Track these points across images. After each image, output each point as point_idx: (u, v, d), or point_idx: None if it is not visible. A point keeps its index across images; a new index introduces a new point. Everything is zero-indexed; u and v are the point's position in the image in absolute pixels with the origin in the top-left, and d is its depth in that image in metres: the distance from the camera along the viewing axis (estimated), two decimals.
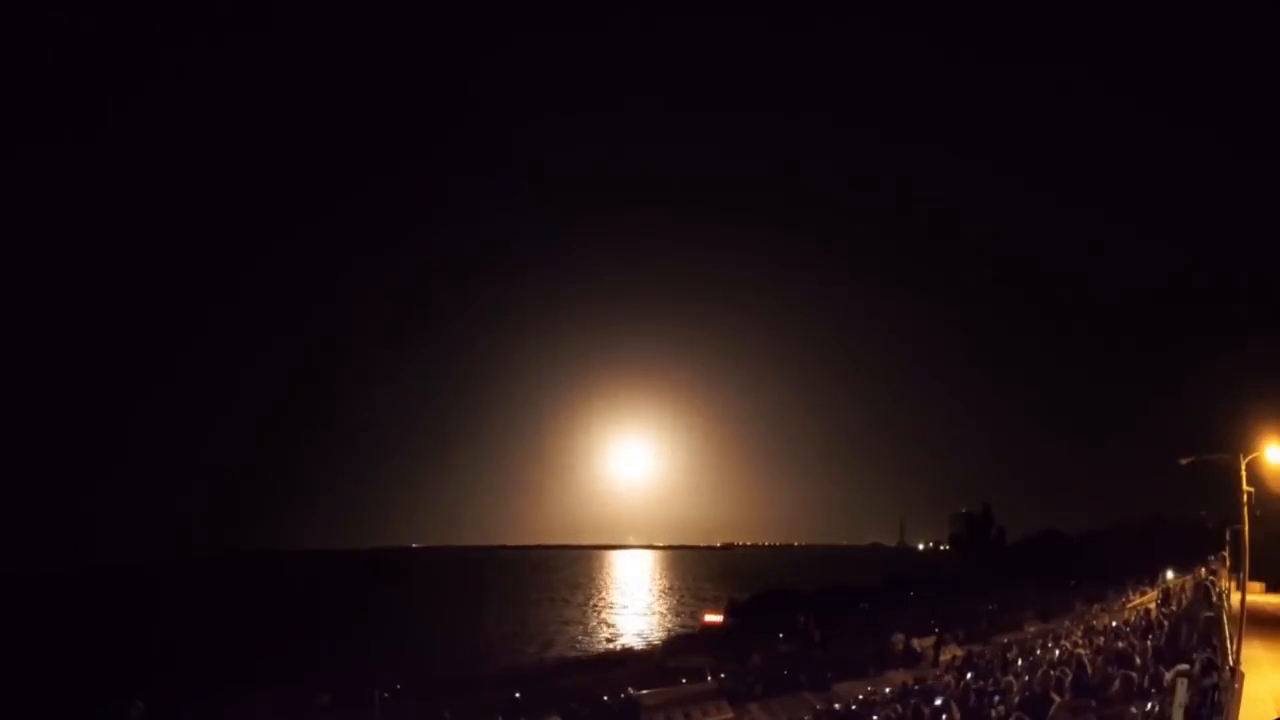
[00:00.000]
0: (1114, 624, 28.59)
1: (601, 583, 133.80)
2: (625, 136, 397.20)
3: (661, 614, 78.30)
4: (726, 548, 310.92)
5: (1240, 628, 15.32)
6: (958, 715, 14.90)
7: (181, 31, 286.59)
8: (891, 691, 23.70)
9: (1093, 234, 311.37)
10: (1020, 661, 22.94)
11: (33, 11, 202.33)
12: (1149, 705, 10.72)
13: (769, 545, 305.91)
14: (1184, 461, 17.04)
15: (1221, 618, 19.38)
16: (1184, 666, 10.67)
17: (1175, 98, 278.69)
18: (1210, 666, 11.47)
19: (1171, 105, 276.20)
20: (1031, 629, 38.25)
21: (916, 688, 21.96)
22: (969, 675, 21.13)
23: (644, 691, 23.51)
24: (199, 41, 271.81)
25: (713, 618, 55.91)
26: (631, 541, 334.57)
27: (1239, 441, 16.18)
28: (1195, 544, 53.43)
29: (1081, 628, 31.08)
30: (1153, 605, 34.22)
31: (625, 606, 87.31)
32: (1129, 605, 40.14)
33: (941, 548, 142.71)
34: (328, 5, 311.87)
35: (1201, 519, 66.29)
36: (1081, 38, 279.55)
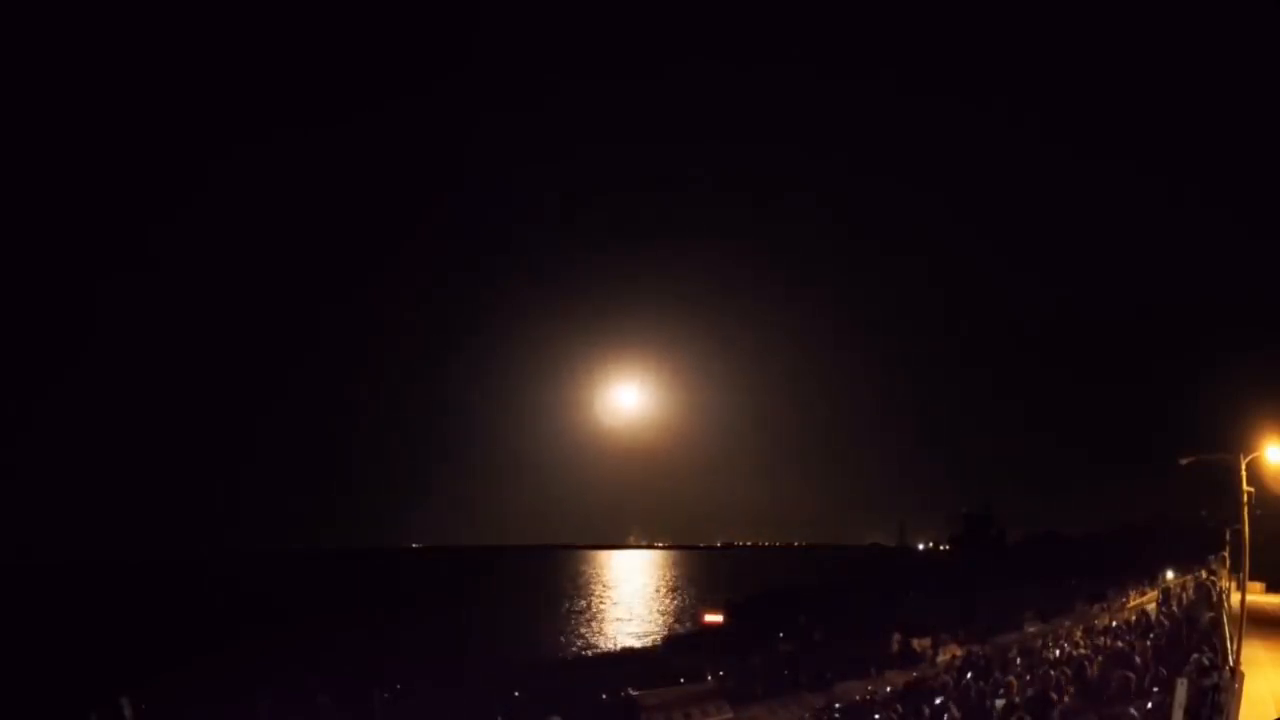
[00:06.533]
0: (1114, 624, 28.61)
1: (602, 582, 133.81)
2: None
3: (661, 614, 78.29)
4: (727, 548, 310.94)
5: (1240, 628, 15.33)
6: (958, 715, 14.91)
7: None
8: (891, 691, 23.70)
9: (1095, 235, 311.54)
10: (1020, 661, 22.95)
11: None
12: (1149, 705, 10.74)
13: (769, 545, 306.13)
14: (1184, 461, 17.09)
15: (1222, 618, 19.40)
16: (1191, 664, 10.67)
17: (1165, 103, 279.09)
18: (1210, 667, 11.48)
19: (1174, 108, 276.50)
20: (1031, 629, 38.20)
21: (916, 688, 21.97)
22: (969, 675, 21.15)
23: (644, 691, 23.48)
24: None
25: (713, 618, 55.75)
26: (632, 542, 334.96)
27: (1239, 441, 16.22)
28: (1195, 544, 53.45)
29: (1081, 628, 31.09)
30: (1153, 605, 34.23)
31: (625, 606, 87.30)
32: (1129, 605, 40.14)
33: (941, 548, 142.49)
34: None
35: (1201, 519, 66.31)
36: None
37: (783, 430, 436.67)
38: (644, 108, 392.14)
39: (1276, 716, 11.15)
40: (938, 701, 16.86)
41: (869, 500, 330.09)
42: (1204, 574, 42.04)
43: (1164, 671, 12.61)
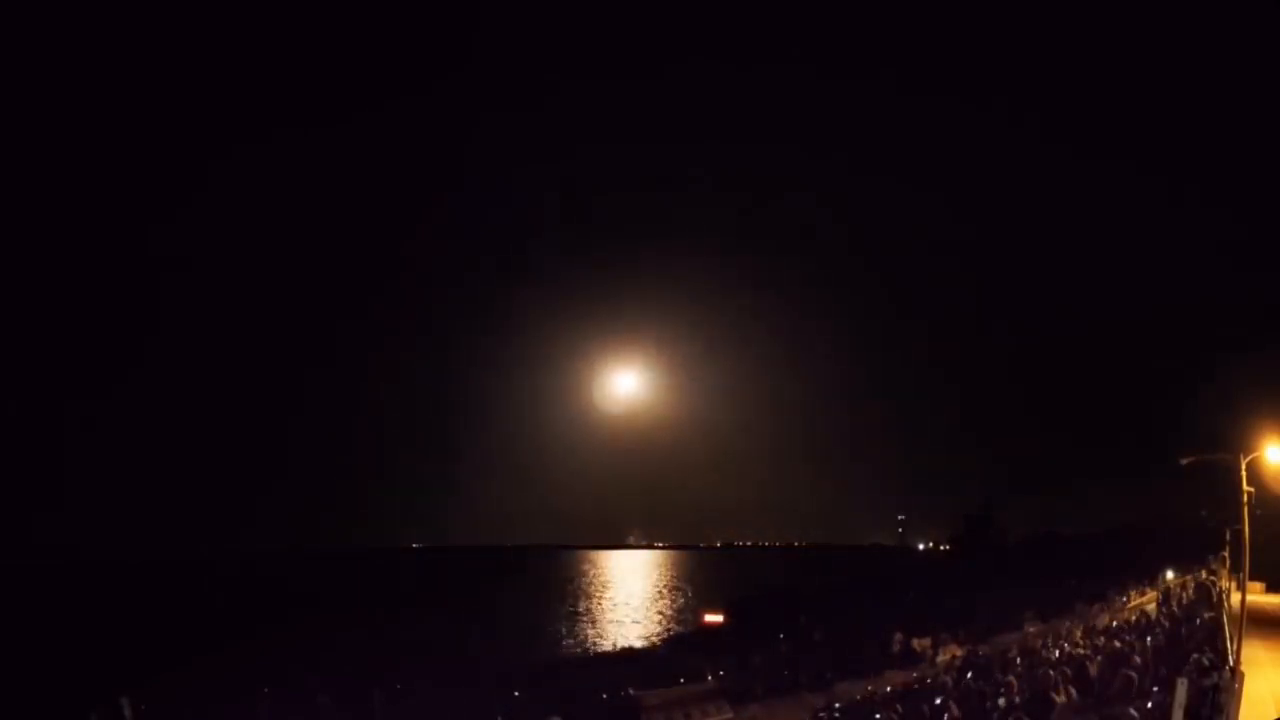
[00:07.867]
0: (1114, 624, 28.62)
1: (602, 582, 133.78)
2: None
3: (661, 614, 78.27)
4: (727, 548, 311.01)
5: (1240, 628, 15.33)
6: (957, 715, 14.91)
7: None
8: (891, 691, 23.69)
9: (1095, 235, 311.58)
10: (1020, 661, 22.93)
11: None
12: (1149, 705, 10.73)
13: (769, 545, 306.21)
14: (1184, 461, 17.10)
15: (1222, 618, 19.40)
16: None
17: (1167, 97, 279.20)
18: (1210, 667, 11.46)
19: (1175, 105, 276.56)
20: (1031, 629, 38.19)
21: (916, 688, 21.98)
22: (969, 675, 21.16)
23: (644, 691, 23.48)
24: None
25: (713, 618, 55.75)
26: (632, 542, 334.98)
27: (1239, 441, 16.22)
28: (1195, 544, 53.40)
29: (1081, 628, 31.06)
30: (1153, 605, 34.25)
31: (625, 606, 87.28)
32: (1129, 605, 40.12)
33: (941, 548, 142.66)
34: None
35: (1201, 519, 66.33)
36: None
37: (783, 431, 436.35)
38: (644, 108, 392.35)
39: (1277, 717, 11.16)
40: (938, 701, 16.85)
41: (869, 500, 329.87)
42: (1204, 574, 42.02)
43: (1164, 671, 12.62)
